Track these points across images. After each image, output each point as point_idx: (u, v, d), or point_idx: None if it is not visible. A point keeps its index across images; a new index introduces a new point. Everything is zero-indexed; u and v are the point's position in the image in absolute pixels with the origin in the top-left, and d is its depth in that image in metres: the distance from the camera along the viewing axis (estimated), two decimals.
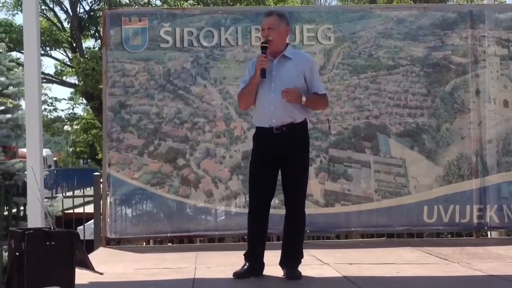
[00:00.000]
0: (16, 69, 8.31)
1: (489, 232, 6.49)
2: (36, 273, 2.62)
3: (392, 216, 5.98)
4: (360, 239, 6.34)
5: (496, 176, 6.07)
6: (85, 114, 29.55)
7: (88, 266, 2.87)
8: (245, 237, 6.13)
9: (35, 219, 4.52)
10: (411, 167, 6.00)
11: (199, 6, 20.44)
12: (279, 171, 4.00)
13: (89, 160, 37.08)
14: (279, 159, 3.93)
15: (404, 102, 6.06)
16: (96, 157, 29.36)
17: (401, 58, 6.11)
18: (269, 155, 3.93)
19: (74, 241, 2.66)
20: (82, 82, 20.22)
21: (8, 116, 7.51)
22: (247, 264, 4.02)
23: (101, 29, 6.55)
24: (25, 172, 5.40)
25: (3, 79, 7.76)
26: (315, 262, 4.60)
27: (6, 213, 6.73)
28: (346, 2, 22.07)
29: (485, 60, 6.13)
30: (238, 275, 3.97)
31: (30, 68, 5.22)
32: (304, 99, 3.89)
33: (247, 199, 5.76)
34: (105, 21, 6.05)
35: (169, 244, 6.65)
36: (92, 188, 6.74)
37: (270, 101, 3.90)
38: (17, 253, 2.61)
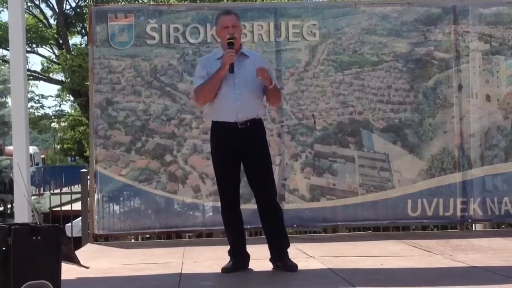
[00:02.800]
0: (2, 67, 8.29)
1: (473, 225, 6.59)
2: (22, 267, 2.65)
3: (377, 209, 6.06)
4: (347, 233, 6.42)
5: (479, 169, 6.17)
6: (72, 111, 29.41)
7: (74, 260, 2.90)
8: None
9: (22, 216, 4.53)
10: (395, 161, 6.09)
11: (185, 2, 20.44)
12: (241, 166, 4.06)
13: (76, 157, 36.94)
14: (241, 153, 3.99)
15: (387, 97, 6.15)
16: (84, 154, 29.24)
17: (384, 54, 6.19)
18: (233, 150, 3.99)
19: (60, 236, 2.69)
20: (69, 79, 20.14)
21: None
22: (233, 259, 4.09)
23: (88, 26, 6.54)
24: (12, 169, 5.40)
25: None
26: (301, 255, 4.67)
27: None
28: None
29: (468, 55, 6.23)
30: (225, 270, 4.04)
31: (16, 65, 5.20)
32: (273, 82, 4.04)
33: None
34: (91, 17, 6.07)
35: (157, 240, 6.70)
36: (79, 185, 6.76)
37: (236, 96, 3.95)
38: (3, 248, 2.64)
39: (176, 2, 20.19)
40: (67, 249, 2.80)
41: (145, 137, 5.99)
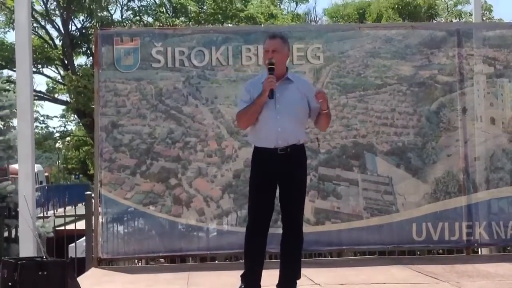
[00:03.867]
0: (8, 91, 8.33)
1: (479, 249, 6.53)
2: None
3: (382, 233, 6.02)
4: (352, 256, 6.38)
5: (485, 192, 6.13)
6: (76, 130, 29.49)
7: None
8: (237, 256, 6.18)
9: (26, 242, 4.52)
10: (398, 184, 6.07)
11: (190, 23, 20.60)
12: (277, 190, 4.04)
13: (80, 175, 36.92)
14: (280, 179, 3.98)
15: (391, 121, 6.14)
16: (88, 172, 29.25)
17: (388, 77, 6.19)
18: (271, 176, 3.97)
19: (66, 271, 2.68)
20: (74, 99, 20.23)
21: (0, 137, 7.51)
22: (243, 285, 4.01)
23: (93, 47, 6.59)
24: (17, 195, 5.39)
25: None
26: (307, 282, 4.63)
27: None
28: (336, 19, 22.25)
29: (472, 78, 6.22)
30: None
31: (22, 86, 5.25)
32: (329, 106, 4.04)
33: (239, 217, 5.86)
34: (97, 41, 6.10)
35: (161, 260, 6.65)
36: (83, 204, 6.74)
37: (277, 122, 3.94)
38: (10, 284, 2.62)
39: (181, 23, 20.48)
40: (73, 283, 2.79)
41: (150, 160, 5.99)
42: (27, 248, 4.37)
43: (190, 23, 20.79)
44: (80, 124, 25.00)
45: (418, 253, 6.50)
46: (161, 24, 19.58)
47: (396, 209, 6.03)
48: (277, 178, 3.97)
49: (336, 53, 6.21)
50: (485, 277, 4.85)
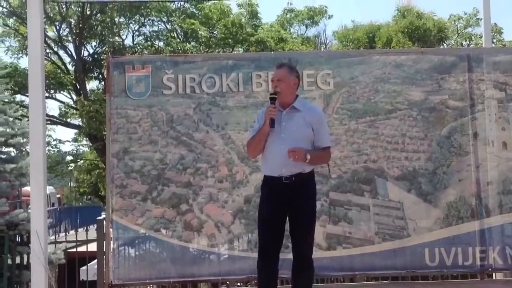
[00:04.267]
0: (20, 120, 8.43)
1: (494, 274, 6.46)
2: None
3: (395, 258, 5.98)
4: (365, 282, 6.32)
5: (499, 217, 6.09)
6: (88, 153, 29.67)
7: None
8: (248, 281, 6.16)
9: (38, 271, 4.54)
10: (409, 210, 6.04)
11: (201, 47, 20.79)
12: (287, 218, 4.06)
13: (92, 197, 37.02)
14: (287, 207, 4.00)
15: (401, 146, 6.14)
16: (100, 193, 29.35)
17: (398, 102, 6.20)
18: (278, 203, 4.01)
19: None
20: (86, 124, 20.41)
21: (12, 165, 7.58)
22: None
23: (105, 71, 6.67)
24: (29, 222, 5.43)
25: (8, 130, 7.87)
26: None
27: (10, 262, 6.75)
28: (346, 43, 22.36)
29: (483, 103, 6.21)
30: None
31: (35, 111, 5.30)
32: (308, 157, 4.00)
33: (250, 242, 5.86)
34: (109, 68, 6.17)
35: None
36: (95, 226, 6.76)
37: (280, 151, 3.99)
38: None
39: (192, 47, 20.68)
40: None
41: (161, 186, 6.02)
42: (39, 277, 4.39)
43: (201, 47, 20.99)
44: (92, 147, 25.17)
45: (432, 278, 6.44)
46: (172, 49, 19.77)
47: (408, 234, 5.99)
48: (285, 206, 3.99)
49: (346, 78, 6.24)
50: None
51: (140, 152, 6.07)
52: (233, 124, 6.08)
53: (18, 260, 6.88)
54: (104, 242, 6.09)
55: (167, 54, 14.70)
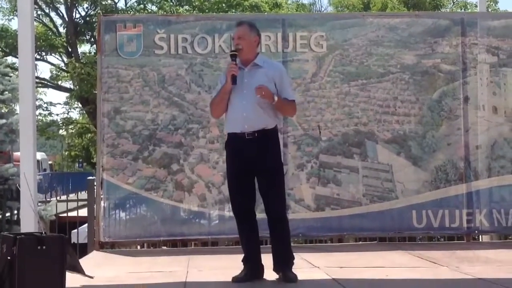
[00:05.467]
0: (12, 74, 8.36)
1: (480, 236, 6.57)
2: (28, 277, 2.67)
3: (383, 220, 6.05)
4: (353, 242, 6.42)
5: (486, 180, 6.15)
6: (80, 118, 29.55)
7: (78, 270, 2.92)
8: (238, 241, 6.22)
9: (28, 224, 4.56)
10: (398, 172, 6.09)
11: (194, 11, 20.56)
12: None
13: (84, 164, 37.01)
14: (253, 164, 4.00)
15: (392, 109, 6.15)
16: (91, 160, 29.34)
17: (391, 65, 6.19)
18: (242, 161, 4.00)
19: (65, 246, 2.72)
20: (77, 87, 20.28)
21: (3, 121, 7.55)
22: (245, 269, 4.08)
23: (97, 35, 6.60)
24: (19, 177, 5.44)
25: None
26: (306, 265, 4.68)
27: None
28: (341, 9, 22.18)
29: (475, 67, 6.22)
30: (236, 279, 4.02)
31: (25, 73, 5.26)
32: (276, 98, 3.98)
33: None
34: (100, 27, 6.11)
35: (163, 247, 6.72)
36: (86, 192, 6.79)
37: (243, 107, 3.98)
38: (9, 258, 2.66)
39: (185, 11, 20.44)
40: (72, 259, 2.83)
41: (152, 146, 6.02)
42: (28, 225, 4.41)
43: (194, 11, 20.75)
44: (84, 112, 25.05)
45: (419, 239, 6.54)
46: (165, 12, 19.54)
47: (396, 196, 6.05)
48: (251, 163, 3.99)
49: (339, 41, 6.21)
50: (485, 262, 4.88)
51: (131, 112, 6.05)
52: None
53: (8, 215, 6.92)
54: (95, 201, 6.12)
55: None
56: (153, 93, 6.07)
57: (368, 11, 19.40)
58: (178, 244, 6.45)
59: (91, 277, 3.19)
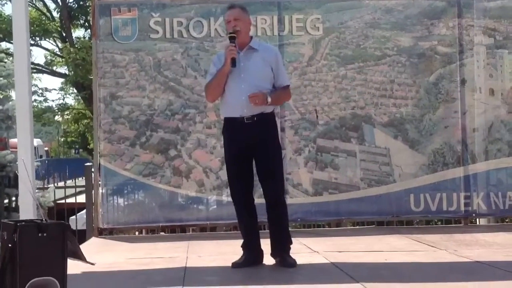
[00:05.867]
0: (6, 60, 8.30)
1: (478, 219, 6.59)
2: (29, 264, 2.66)
3: (381, 204, 6.06)
4: (350, 227, 6.43)
5: (484, 163, 6.16)
6: (76, 104, 29.45)
7: (80, 257, 2.92)
8: (236, 226, 6.24)
9: (27, 211, 4.55)
10: (395, 156, 6.08)
11: None
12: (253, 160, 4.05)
13: (80, 150, 36.97)
14: (251, 149, 3.98)
15: (389, 92, 6.14)
16: (88, 146, 29.29)
17: (388, 48, 6.17)
18: (241, 145, 3.98)
19: (66, 233, 2.71)
20: (72, 72, 20.17)
21: None
22: (245, 254, 4.08)
23: (91, 19, 6.54)
24: (17, 163, 5.43)
25: None
26: (305, 250, 4.69)
27: None
28: None
29: (472, 49, 6.20)
30: (235, 265, 4.02)
31: (20, 58, 5.20)
32: (269, 100, 3.95)
33: None
34: (95, 11, 6.06)
35: (162, 233, 6.73)
36: (83, 178, 6.78)
37: (241, 91, 3.93)
38: (10, 245, 2.66)
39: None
40: (73, 246, 2.82)
41: (149, 132, 6.00)
42: (27, 212, 4.40)
43: None
44: (79, 97, 24.95)
45: (416, 223, 6.56)
46: None
47: (393, 180, 6.06)
48: (249, 147, 3.97)
49: (335, 24, 6.18)
50: (483, 245, 4.90)
51: (127, 97, 6.02)
52: None
53: (6, 202, 6.91)
54: (93, 187, 6.11)
55: None
56: (149, 78, 6.04)
57: None
58: (177, 230, 6.46)
59: (93, 264, 3.19)
